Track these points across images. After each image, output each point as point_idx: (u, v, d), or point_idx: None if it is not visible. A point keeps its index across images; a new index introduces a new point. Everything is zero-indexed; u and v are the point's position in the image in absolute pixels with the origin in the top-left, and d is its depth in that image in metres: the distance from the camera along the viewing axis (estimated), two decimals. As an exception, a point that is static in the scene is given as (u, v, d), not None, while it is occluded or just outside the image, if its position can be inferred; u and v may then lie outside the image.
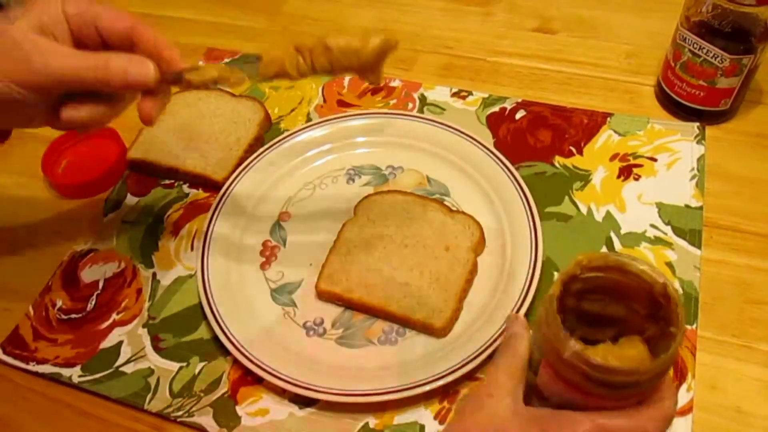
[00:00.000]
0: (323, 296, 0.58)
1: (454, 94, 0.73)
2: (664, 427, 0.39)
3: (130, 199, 0.68)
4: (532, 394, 0.48)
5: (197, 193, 0.68)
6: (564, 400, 0.43)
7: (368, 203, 0.63)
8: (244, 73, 0.49)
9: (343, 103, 0.74)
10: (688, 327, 0.54)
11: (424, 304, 0.55)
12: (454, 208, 0.62)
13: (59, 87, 0.46)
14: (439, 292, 0.56)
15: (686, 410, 0.50)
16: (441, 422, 0.51)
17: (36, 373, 0.57)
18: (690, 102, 0.67)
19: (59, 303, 0.61)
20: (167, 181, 0.69)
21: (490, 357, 0.52)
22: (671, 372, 0.41)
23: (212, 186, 0.67)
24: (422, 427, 0.51)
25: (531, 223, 0.59)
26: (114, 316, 0.59)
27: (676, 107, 0.69)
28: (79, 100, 0.48)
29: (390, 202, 0.62)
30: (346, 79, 0.77)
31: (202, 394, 0.54)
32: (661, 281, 0.41)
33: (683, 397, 0.51)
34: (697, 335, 0.54)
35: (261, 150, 0.68)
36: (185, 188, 0.68)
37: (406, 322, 0.56)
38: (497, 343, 0.52)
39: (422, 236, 0.59)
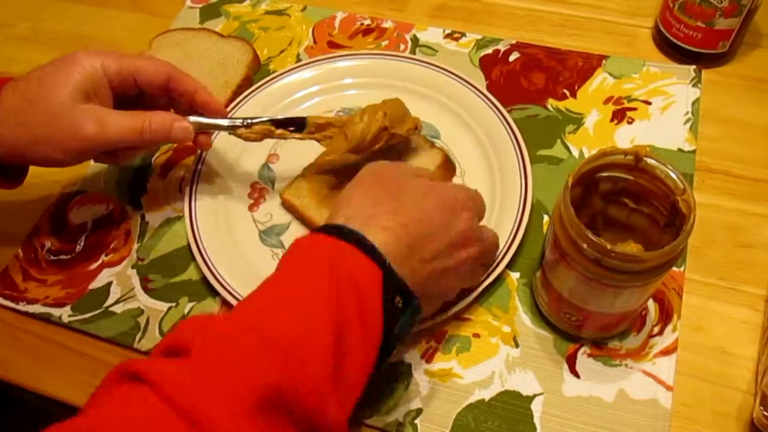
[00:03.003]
0: (285, 203, 0.60)
1: (447, 36, 0.72)
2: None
3: (118, 141, 0.67)
4: (547, 293, 0.50)
5: (185, 135, 0.67)
6: (574, 292, 0.46)
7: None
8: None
9: (333, 45, 0.73)
10: (677, 269, 0.54)
11: None
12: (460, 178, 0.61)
13: (107, 148, 0.51)
14: None
15: (671, 350, 0.51)
16: (428, 361, 0.51)
17: (26, 313, 0.57)
18: (687, 44, 0.66)
19: (48, 244, 0.61)
20: (155, 123, 0.68)
21: (478, 297, 0.53)
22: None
23: (200, 128, 0.66)
24: (409, 366, 0.51)
25: (521, 166, 0.58)
26: (103, 258, 0.59)
27: (673, 50, 0.68)
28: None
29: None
30: (337, 19, 0.75)
31: (191, 334, 0.54)
32: (681, 186, 0.43)
33: (668, 337, 0.51)
34: (685, 277, 0.54)
35: (249, 91, 0.67)
36: (173, 130, 0.67)
37: None
38: (485, 284, 0.52)
39: None
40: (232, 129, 0.56)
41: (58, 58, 0.51)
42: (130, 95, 0.52)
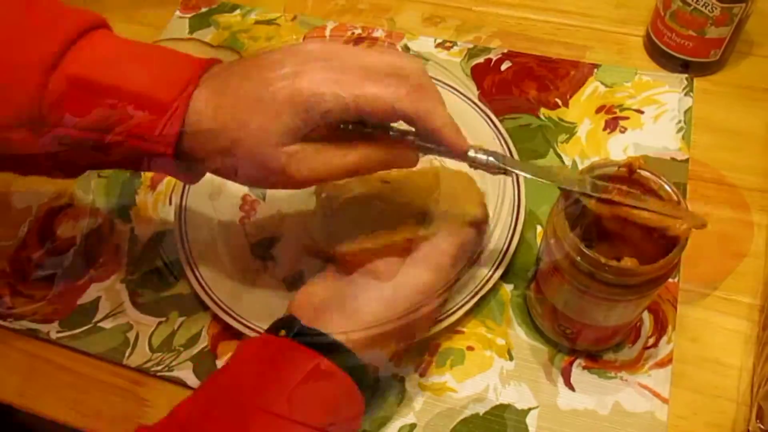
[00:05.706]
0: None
1: (438, 45, 0.72)
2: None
3: (107, 154, 0.66)
4: (541, 306, 0.50)
5: (175, 147, 0.66)
6: (568, 305, 0.46)
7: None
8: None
9: (324, 54, 0.72)
10: (671, 280, 0.54)
11: None
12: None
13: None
14: None
15: (666, 362, 0.50)
16: (422, 375, 0.51)
17: (13, 330, 0.56)
18: (679, 53, 0.66)
19: (35, 259, 0.60)
20: (144, 135, 0.67)
21: (471, 310, 0.52)
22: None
23: (190, 139, 0.65)
24: (402, 380, 0.51)
25: (514, 176, 0.58)
26: (91, 272, 0.58)
27: (664, 58, 0.67)
28: None
29: None
30: (328, 29, 0.74)
31: (181, 349, 0.53)
32: (675, 198, 0.44)
33: (663, 349, 0.51)
34: (679, 288, 0.54)
35: (240, 102, 0.66)
36: (163, 142, 0.67)
37: None
38: (478, 296, 0.52)
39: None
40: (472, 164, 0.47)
41: (277, 76, 0.41)
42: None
